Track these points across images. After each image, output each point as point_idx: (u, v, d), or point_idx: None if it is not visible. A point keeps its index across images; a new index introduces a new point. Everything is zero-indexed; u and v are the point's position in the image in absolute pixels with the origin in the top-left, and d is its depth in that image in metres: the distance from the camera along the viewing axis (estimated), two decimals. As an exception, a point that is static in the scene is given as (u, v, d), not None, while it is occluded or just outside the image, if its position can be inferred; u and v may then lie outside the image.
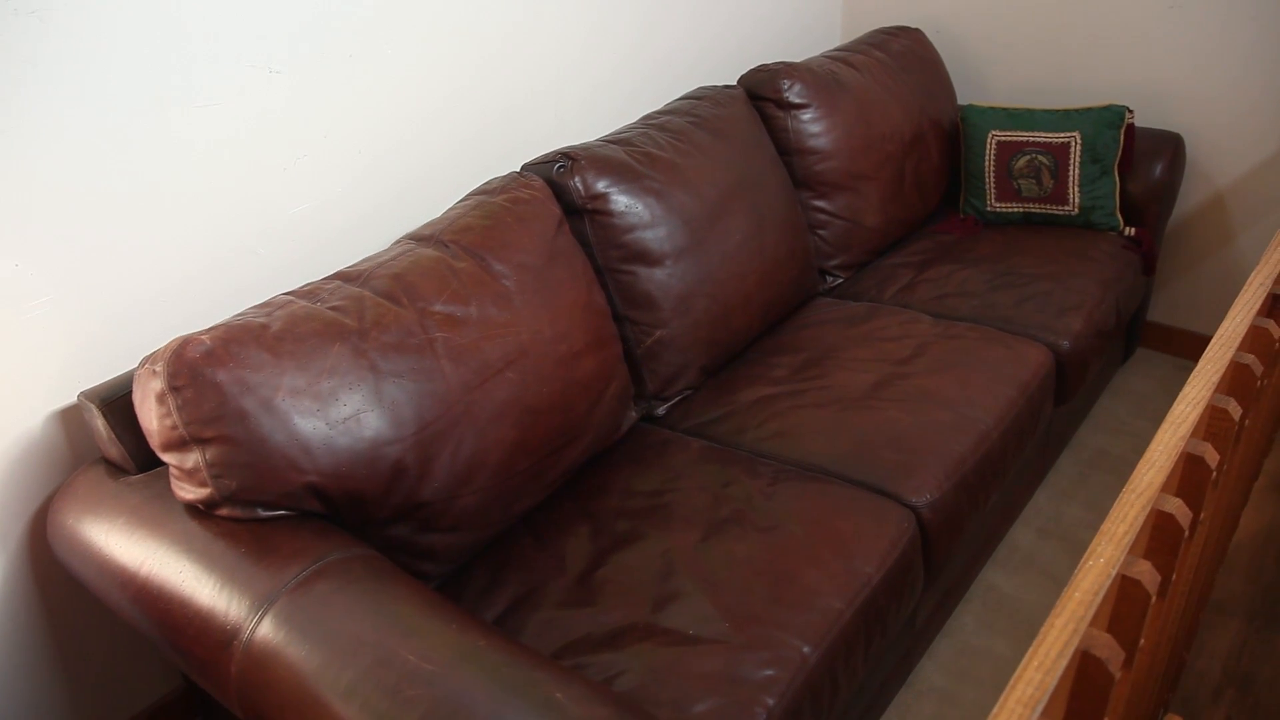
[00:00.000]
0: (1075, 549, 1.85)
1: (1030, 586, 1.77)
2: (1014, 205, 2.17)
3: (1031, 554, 1.85)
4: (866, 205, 2.03)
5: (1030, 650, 0.61)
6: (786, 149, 1.93)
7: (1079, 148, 2.08)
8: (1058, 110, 2.12)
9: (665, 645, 1.14)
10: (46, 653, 1.40)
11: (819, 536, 1.29)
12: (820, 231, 1.99)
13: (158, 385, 1.08)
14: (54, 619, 1.40)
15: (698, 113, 1.79)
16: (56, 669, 1.42)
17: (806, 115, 1.92)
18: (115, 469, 1.25)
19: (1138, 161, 2.13)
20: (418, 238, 1.38)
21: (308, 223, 1.52)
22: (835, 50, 2.17)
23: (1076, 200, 2.11)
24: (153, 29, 1.26)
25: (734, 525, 1.32)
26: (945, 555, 1.45)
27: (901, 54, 2.23)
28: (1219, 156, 2.17)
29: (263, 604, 0.99)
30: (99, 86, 1.23)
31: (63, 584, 1.39)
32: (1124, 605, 0.75)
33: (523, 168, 1.59)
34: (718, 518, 1.34)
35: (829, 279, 2.04)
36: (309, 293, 1.25)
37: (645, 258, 1.57)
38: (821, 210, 1.98)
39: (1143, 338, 2.45)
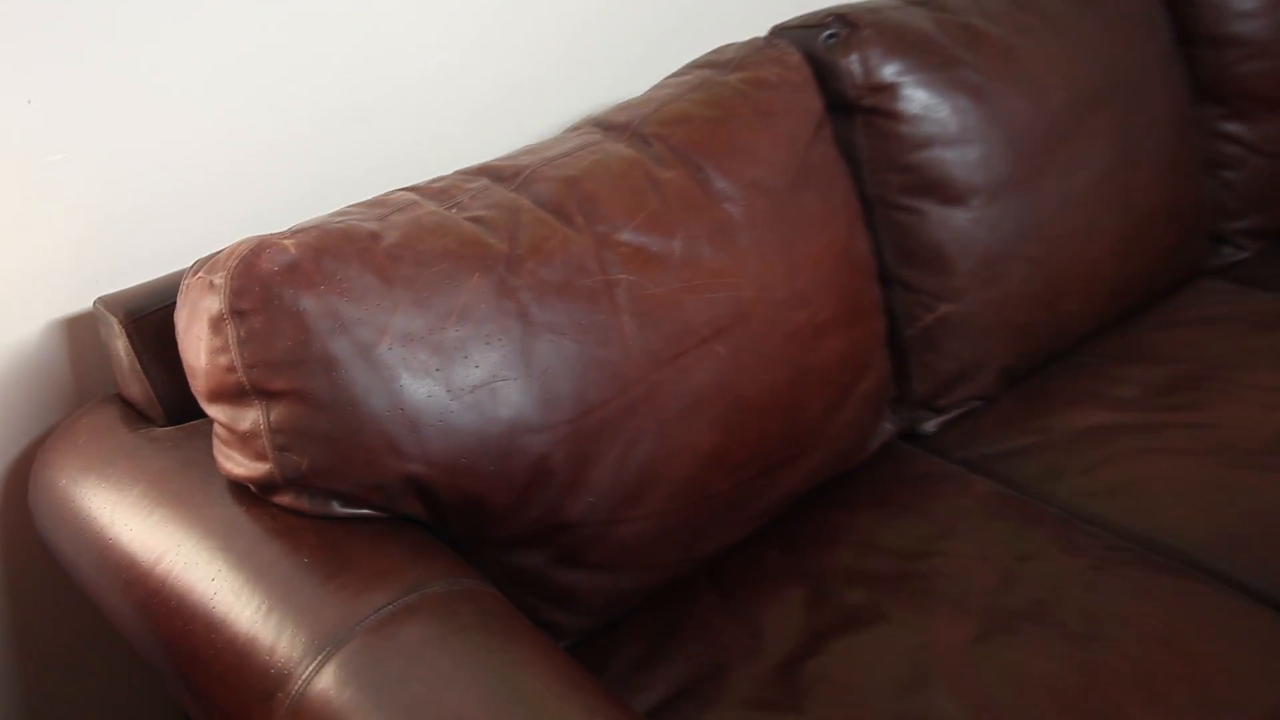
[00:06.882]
0: None
1: None
2: None
3: None
4: (1309, 137, 1.90)
5: None
6: (1193, 35, 1.83)
7: None
8: None
9: (904, 797, 1.10)
10: (5, 663, 1.44)
11: (1165, 664, 1.20)
12: (1225, 173, 1.89)
13: (214, 304, 1.07)
14: (23, 618, 1.43)
15: (1058, -36, 1.70)
16: (18, 688, 1.45)
17: (1237, -20, 1.82)
18: (134, 413, 1.27)
19: None
20: (607, 125, 1.36)
21: (445, 83, 1.51)
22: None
23: None
24: None
25: (1030, 624, 1.26)
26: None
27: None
28: None
29: (326, 645, 0.97)
30: None
31: (42, 570, 1.42)
32: None
33: (772, 32, 1.55)
34: (1005, 608, 1.28)
35: (1227, 250, 1.95)
36: (440, 192, 1.23)
37: (943, 189, 1.51)
38: (1234, 139, 1.88)
39: None
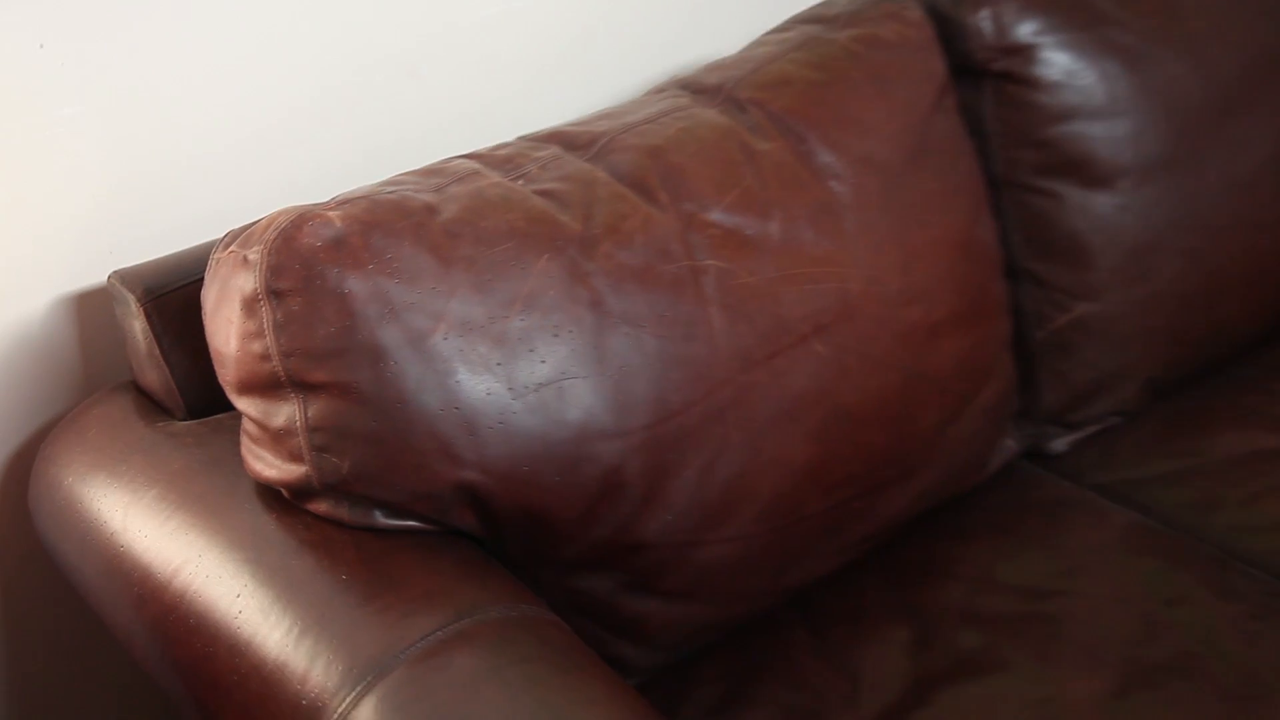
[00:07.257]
0: None
1: None
2: None
3: None
4: None
5: None
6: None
7: None
8: None
9: None
10: (2, 677, 1.45)
11: (1343, 734, 1.17)
12: None
13: (248, 283, 1.07)
14: (21, 631, 1.45)
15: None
16: (14, 702, 1.47)
17: None
18: (151, 405, 1.28)
19: None
20: (696, 87, 1.35)
21: (506, 33, 1.51)
22: None
23: None
24: None
25: (1177, 679, 1.24)
26: None
27: None
28: None
29: (367, 674, 0.97)
30: None
31: (43, 580, 1.42)
32: None
33: (891, -17, 1.54)
34: (1147, 659, 1.26)
35: None
36: (505, 160, 1.22)
37: (1085, 170, 1.48)
38: None
39: None
